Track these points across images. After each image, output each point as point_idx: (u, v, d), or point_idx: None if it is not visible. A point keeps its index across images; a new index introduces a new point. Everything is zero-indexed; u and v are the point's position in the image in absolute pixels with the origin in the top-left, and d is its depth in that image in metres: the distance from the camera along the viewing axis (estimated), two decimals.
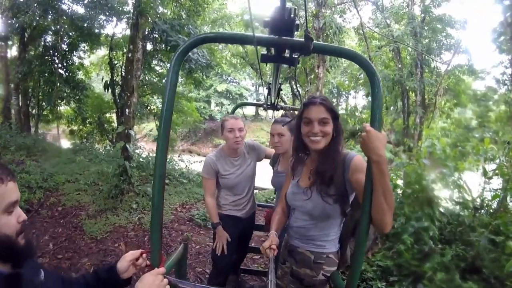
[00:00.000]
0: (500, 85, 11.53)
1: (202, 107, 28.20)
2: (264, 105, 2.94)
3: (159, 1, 8.23)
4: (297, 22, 1.04)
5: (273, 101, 2.77)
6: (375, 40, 14.40)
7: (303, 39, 1.04)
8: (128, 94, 5.69)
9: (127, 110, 5.60)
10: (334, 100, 26.54)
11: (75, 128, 12.31)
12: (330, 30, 9.06)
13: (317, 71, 9.04)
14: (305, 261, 1.54)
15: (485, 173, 3.16)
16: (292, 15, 1.00)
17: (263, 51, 1.29)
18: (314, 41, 1.04)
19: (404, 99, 11.60)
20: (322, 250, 1.52)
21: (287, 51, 1.18)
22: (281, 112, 3.29)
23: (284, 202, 1.69)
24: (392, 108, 12.60)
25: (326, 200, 1.42)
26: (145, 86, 11.32)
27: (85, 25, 9.41)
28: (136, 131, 22.06)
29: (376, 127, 1.12)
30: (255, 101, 33.23)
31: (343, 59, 9.40)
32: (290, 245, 1.62)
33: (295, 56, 1.18)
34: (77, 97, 10.97)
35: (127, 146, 5.35)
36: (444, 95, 12.47)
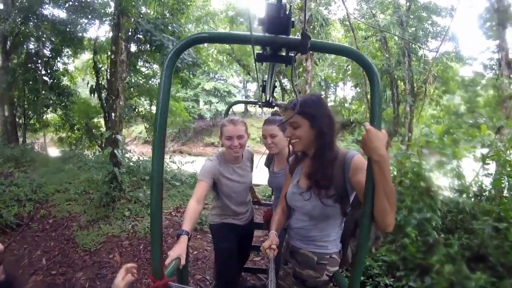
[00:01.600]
0: (487, 70, 11.65)
1: (190, 107, 27.90)
2: (259, 103, 2.86)
3: (141, 1, 8.00)
4: (292, 19, 1.02)
5: (268, 99, 2.70)
6: (361, 31, 14.40)
7: (299, 37, 1.02)
8: (113, 97, 5.51)
9: (113, 114, 5.42)
10: (323, 92, 26.56)
11: (64, 135, 12.13)
12: (317, 23, 8.96)
13: (305, 64, 8.97)
14: (308, 263, 1.53)
15: (483, 159, 3.13)
16: (288, 13, 0.98)
17: (258, 49, 1.26)
18: (311, 39, 1.03)
19: (393, 89, 11.66)
20: (324, 250, 1.51)
21: (283, 49, 1.15)
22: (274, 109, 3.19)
23: (284, 202, 1.68)
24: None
25: (325, 202, 1.42)
26: (131, 88, 11.16)
27: (67, 29, 9.24)
28: (125, 134, 21.87)
29: (376, 126, 1.10)
30: (243, 98, 33.27)
31: None
32: (292, 246, 1.61)
33: (292, 55, 1.16)
34: (63, 104, 10.74)
35: (115, 151, 5.19)
36: (433, 83, 12.59)
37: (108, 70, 8.52)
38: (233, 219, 2.25)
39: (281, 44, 1.08)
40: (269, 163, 2.37)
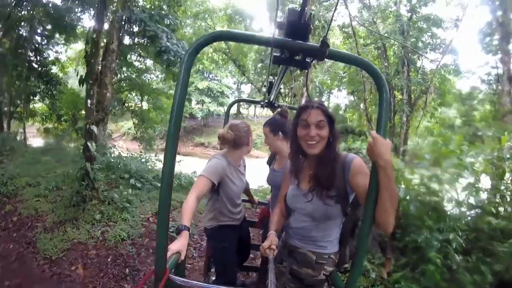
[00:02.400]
0: (485, 85, 11.59)
1: None
2: (262, 103, 2.85)
3: None
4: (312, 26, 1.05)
5: (271, 99, 2.69)
6: (360, 39, 14.22)
7: (317, 44, 1.05)
8: (91, 82, 4.90)
9: (89, 101, 4.80)
10: (316, 99, 26.37)
11: (50, 126, 11.60)
12: (318, 24, 8.63)
13: None
14: (306, 261, 1.54)
15: (503, 174, 2.81)
16: (307, 19, 1.03)
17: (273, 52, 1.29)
18: (330, 48, 1.05)
19: (390, 98, 11.45)
20: (323, 250, 1.53)
21: (299, 54, 1.19)
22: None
23: (282, 203, 1.69)
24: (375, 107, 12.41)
25: (327, 203, 1.43)
26: (122, 82, 10.83)
27: (60, 16, 8.91)
28: (114, 129, 21.07)
29: (382, 134, 1.16)
30: (237, 98, 32.84)
31: None
32: (290, 245, 1.61)
33: (308, 61, 1.20)
34: (50, 93, 10.25)
35: (89, 144, 4.54)
36: (431, 94, 12.46)
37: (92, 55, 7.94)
38: (229, 221, 2.24)
39: (299, 49, 1.12)
40: (270, 161, 2.41)
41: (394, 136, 11.86)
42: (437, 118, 14.37)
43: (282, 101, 12.65)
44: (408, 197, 3.02)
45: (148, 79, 12.95)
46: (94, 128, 4.75)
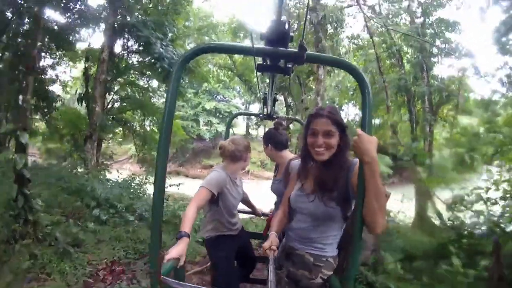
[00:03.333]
0: (505, 88, 10.96)
1: (190, 126, 27.17)
2: (260, 115, 3.01)
3: None
4: (292, 34, 1.14)
5: (269, 111, 2.81)
6: (371, 50, 13.89)
7: (296, 49, 1.14)
8: (24, 70, 3.82)
9: (20, 97, 3.44)
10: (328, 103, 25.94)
11: (53, 146, 11.36)
12: (330, 25, 8.30)
13: (316, 73, 8.16)
14: (303, 263, 1.58)
15: None
16: (287, 28, 1.10)
17: (259, 61, 1.36)
18: (307, 51, 1.13)
19: (410, 107, 10.81)
20: (321, 253, 1.57)
21: (282, 61, 1.28)
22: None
23: (286, 206, 1.77)
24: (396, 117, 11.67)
25: (329, 205, 1.50)
26: (123, 102, 10.87)
27: (58, 29, 8.84)
28: (119, 152, 20.86)
29: (367, 132, 1.22)
30: (246, 120, 32.72)
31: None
32: (289, 248, 1.67)
33: (289, 66, 1.30)
34: (47, 110, 10.02)
35: (17, 160, 3.29)
36: (447, 103, 11.81)
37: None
38: (228, 231, 2.38)
39: (280, 56, 1.21)
40: (275, 170, 2.66)
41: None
42: (458, 128, 13.51)
43: (292, 113, 12.23)
44: None
45: (153, 99, 12.74)
46: (25, 136, 3.51)
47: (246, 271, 2.66)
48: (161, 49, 7.32)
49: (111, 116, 10.39)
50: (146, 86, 11.77)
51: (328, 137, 1.49)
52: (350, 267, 1.32)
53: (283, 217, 1.77)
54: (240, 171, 2.46)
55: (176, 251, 1.57)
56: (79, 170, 7.37)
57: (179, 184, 7.10)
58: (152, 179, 7.68)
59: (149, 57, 7.84)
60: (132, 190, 6.82)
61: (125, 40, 8.53)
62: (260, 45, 1.20)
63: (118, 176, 7.86)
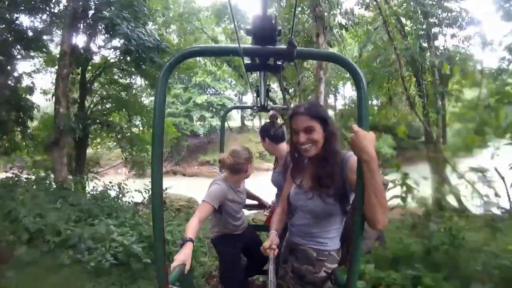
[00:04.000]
0: None
1: (182, 123, 26.34)
2: (255, 108, 2.97)
3: None
4: (279, 28, 1.09)
5: (262, 103, 2.76)
6: (365, 25, 13.08)
7: (285, 46, 1.10)
8: None
9: None
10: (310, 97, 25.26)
11: (39, 157, 10.45)
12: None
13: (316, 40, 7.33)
14: (307, 258, 1.64)
15: None
16: (274, 23, 1.05)
17: (247, 60, 1.35)
18: (297, 48, 1.09)
19: (419, 79, 10.06)
20: (324, 247, 1.63)
21: (271, 58, 1.27)
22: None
23: (284, 203, 1.83)
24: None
25: (327, 201, 1.55)
26: (104, 101, 10.45)
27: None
28: (113, 156, 20.04)
29: (364, 127, 1.21)
30: (240, 112, 31.95)
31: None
32: (292, 243, 1.74)
33: (279, 63, 1.29)
34: (21, 120, 9.17)
35: None
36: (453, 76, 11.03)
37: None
38: (233, 232, 2.54)
39: (269, 54, 1.18)
40: (274, 163, 2.74)
41: (430, 126, 10.24)
42: (465, 101, 12.75)
43: (294, 101, 11.44)
44: None
45: (142, 98, 11.99)
46: None
47: (257, 264, 2.80)
48: (126, 29, 6.46)
49: (94, 120, 9.78)
50: (128, 83, 11.18)
51: (309, 133, 1.54)
52: (352, 263, 1.32)
53: (283, 215, 1.85)
54: (243, 180, 2.55)
55: (183, 255, 1.67)
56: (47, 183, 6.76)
57: (166, 188, 6.85)
58: (139, 183, 7.16)
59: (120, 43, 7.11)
60: (105, 205, 6.04)
61: (88, 26, 7.77)
62: (247, 44, 1.18)
63: (110, 183, 7.41)
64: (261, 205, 3.05)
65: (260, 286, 3.17)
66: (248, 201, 2.82)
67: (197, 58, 15.30)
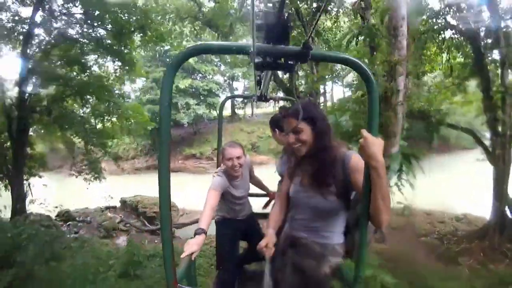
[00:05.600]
0: None
1: None
2: (253, 97, 2.91)
3: None
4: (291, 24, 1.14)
5: (263, 93, 2.77)
6: None
7: (299, 47, 1.11)
8: None
9: None
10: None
11: None
12: None
13: None
14: (309, 252, 1.70)
15: None
16: (286, 20, 1.06)
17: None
18: (312, 50, 1.10)
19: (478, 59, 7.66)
20: (327, 241, 1.69)
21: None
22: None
23: (283, 201, 1.91)
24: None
25: (328, 198, 1.62)
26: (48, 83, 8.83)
27: None
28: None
29: (373, 133, 1.25)
30: (231, 100, 29.68)
31: None
32: (293, 237, 1.80)
33: (291, 63, 1.25)
34: None
35: None
36: None
37: None
38: (234, 217, 2.84)
39: (281, 54, 1.17)
40: (282, 153, 2.93)
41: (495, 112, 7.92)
42: None
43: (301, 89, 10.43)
44: None
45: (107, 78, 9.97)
46: None
47: (254, 253, 2.66)
48: None
49: (32, 108, 8.00)
50: (85, 63, 9.69)
51: (297, 133, 1.64)
52: (359, 260, 1.38)
53: (280, 213, 1.92)
54: (243, 170, 2.74)
55: (193, 244, 1.84)
56: None
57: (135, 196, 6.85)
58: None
59: None
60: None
61: None
62: (258, 41, 1.14)
63: None
64: (268, 195, 3.25)
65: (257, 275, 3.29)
66: (255, 190, 3.10)
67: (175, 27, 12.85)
